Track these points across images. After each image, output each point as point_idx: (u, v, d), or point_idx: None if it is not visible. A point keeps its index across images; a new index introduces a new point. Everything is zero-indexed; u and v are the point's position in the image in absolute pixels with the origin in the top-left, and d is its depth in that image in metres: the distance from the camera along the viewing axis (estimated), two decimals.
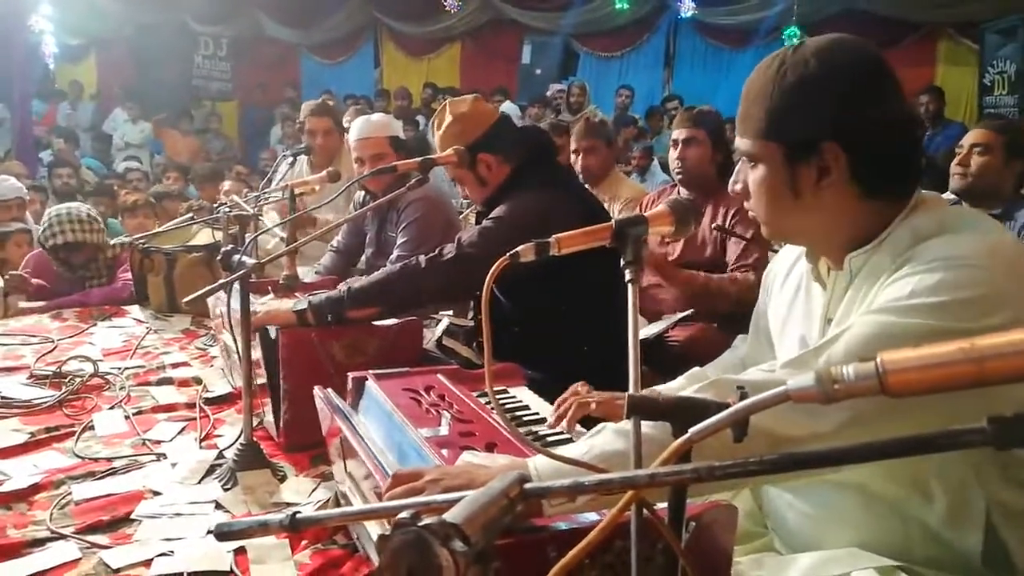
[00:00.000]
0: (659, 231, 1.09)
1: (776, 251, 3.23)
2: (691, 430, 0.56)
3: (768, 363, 1.08)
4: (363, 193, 3.04)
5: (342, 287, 1.89)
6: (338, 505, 1.43)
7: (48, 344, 2.51)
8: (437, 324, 2.30)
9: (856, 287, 1.06)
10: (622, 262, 0.99)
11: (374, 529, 1.07)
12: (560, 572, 0.52)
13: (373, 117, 3.16)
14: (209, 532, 1.40)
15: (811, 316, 1.16)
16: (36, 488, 1.56)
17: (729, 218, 2.76)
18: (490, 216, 1.99)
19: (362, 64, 11.30)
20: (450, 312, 2.48)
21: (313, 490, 1.58)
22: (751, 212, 1.16)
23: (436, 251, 1.95)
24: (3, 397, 2.02)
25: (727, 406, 0.74)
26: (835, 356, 0.93)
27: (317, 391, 1.39)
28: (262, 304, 1.96)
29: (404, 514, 0.45)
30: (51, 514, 1.46)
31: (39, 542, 1.37)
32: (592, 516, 0.93)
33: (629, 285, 0.96)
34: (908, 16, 8.23)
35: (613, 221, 1.04)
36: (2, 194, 4.09)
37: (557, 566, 0.50)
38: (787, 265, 1.27)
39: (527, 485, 0.53)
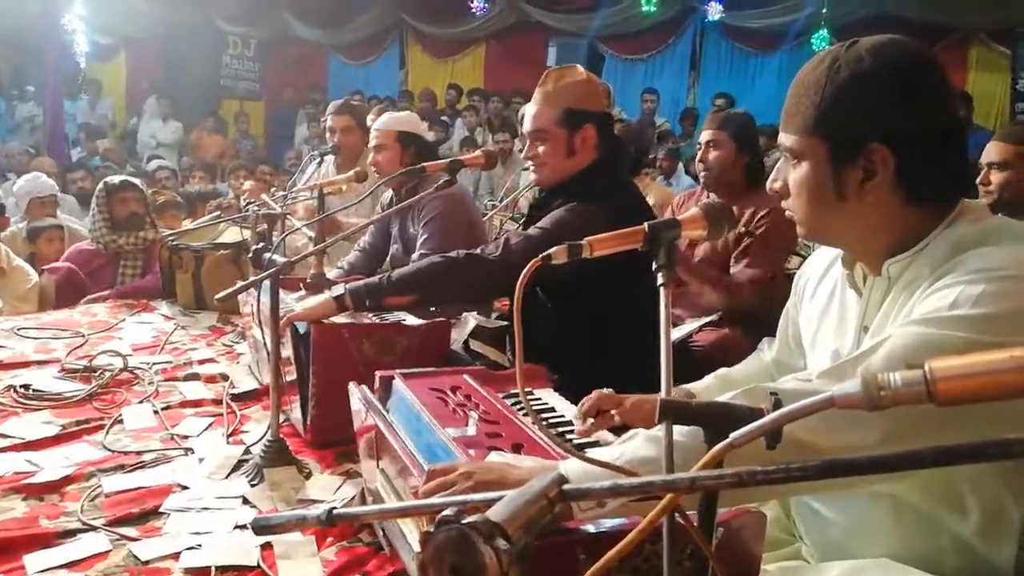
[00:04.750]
0: (692, 235, 1.09)
1: (804, 256, 3.23)
2: (733, 435, 0.55)
3: (803, 372, 1.07)
4: (391, 194, 3.06)
5: (383, 275, 1.90)
6: (364, 502, 1.44)
7: (79, 339, 2.55)
8: (463, 324, 2.30)
9: (894, 296, 1.04)
10: (654, 266, 0.99)
11: (407, 527, 1.07)
12: (597, 573, 0.52)
13: (396, 113, 3.19)
14: (237, 527, 1.42)
15: (845, 323, 1.15)
16: (67, 480, 1.59)
17: (755, 221, 2.75)
18: (539, 224, 1.94)
19: (388, 65, 11.37)
20: (475, 312, 2.49)
21: (339, 487, 1.59)
22: (788, 212, 1.13)
23: (479, 249, 1.93)
24: (35, 390, 2.06)
25: (760, 412, 0.74)
26: (874, 366, 0.91)
27: (352, 387, 1.40)
28: (297, 300, 1.98)
29: (448, 511, 0.45)
30: (82, 506, 1.48)
31: (70, 533, 1.39)
32: (617, 520, 0.93)
33: (661, 289, 0.96)
34: (940, 21, 8.11)
35: (646, 225, 1.04)
36: (38, 190, 4.16)
37: (595, 566, 0.50)
38: (820, 271, 1.26)
39: (565, 487, 0.53)
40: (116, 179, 3.48)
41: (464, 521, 0.44)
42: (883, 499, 1.05)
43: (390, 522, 1.21)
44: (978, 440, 0.41)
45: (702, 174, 2.89)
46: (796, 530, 1.23)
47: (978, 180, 2.83)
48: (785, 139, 1.08)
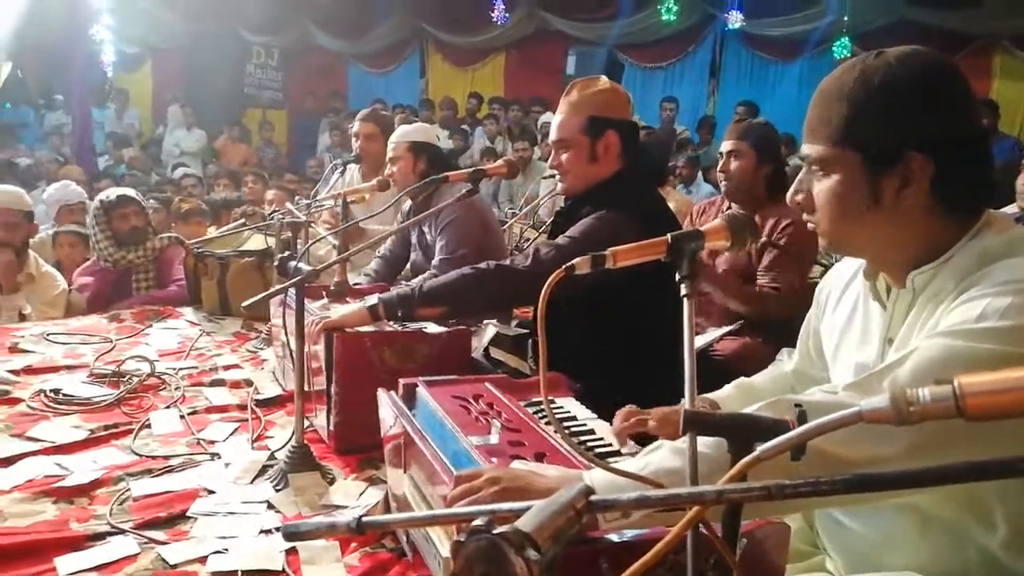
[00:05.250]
0: (715, 246, 1.09)
1: (826, 265, 3.22)
2: (760, 448, 0.56)
3: (828, 385, 1.07)
4: (410, 203, 3.09)
5: (414, 285, 1.92)
6: (388, 508, 1.46)
7: (107, 344, 2.59)
8: (484, 332, 2.32)
9: (919, 307, 1.04)
10: (677, 276, 1.00)
11: (434, 531, 1.08)
12: None
13: (408, 126, 3.23)
14: (262, 531, 1.44)
15: (869, 335, 1.14)
16: (96, 483, 1.62)
17: (777, 232, 2.74)
18: (568, 234, 1.95)
19: (408, 74, 11.46)
20: (495, 320, 2.50)
21: (362, 493, 1.60)
22: (810, 224, 1.13)
23: (508, 260, 1.96)
24: (65, 394, 2.10)
25: (785, 424, 0.74)
26: (901, 379, 0.91)
27: (381, 394, 1.42)
28: (320, 309, 2.00)
29: (479, 521, 0.46)
30: (111, 509, 1.51)
31: (100, 536, 1.42)
32: (641, 530, 0.93)
33: (685, 300, 0.96)
34: (963, 28, 8.03)
35: (669, 236, 1.05)
36: (67, 198, 4.24)
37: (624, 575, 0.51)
38: (842, 283, 1.26)
39: (592, 498, 0.54)
40: (112, 195, 3.37)
41: (495, 531, 0.45)
42: (909, 511, 1.05)
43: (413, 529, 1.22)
44: (1008, 456, 0.42)
45: (723, 184, 2.89)
46: (820, 542, 1.22)
47: (1020, 180, 2.80)
48: (812, 150, 1.07)
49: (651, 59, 10.04)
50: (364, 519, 0.63)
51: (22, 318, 3.05)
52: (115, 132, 9.48)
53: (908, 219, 1.04)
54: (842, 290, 1.25)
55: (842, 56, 8.05)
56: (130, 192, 3.52)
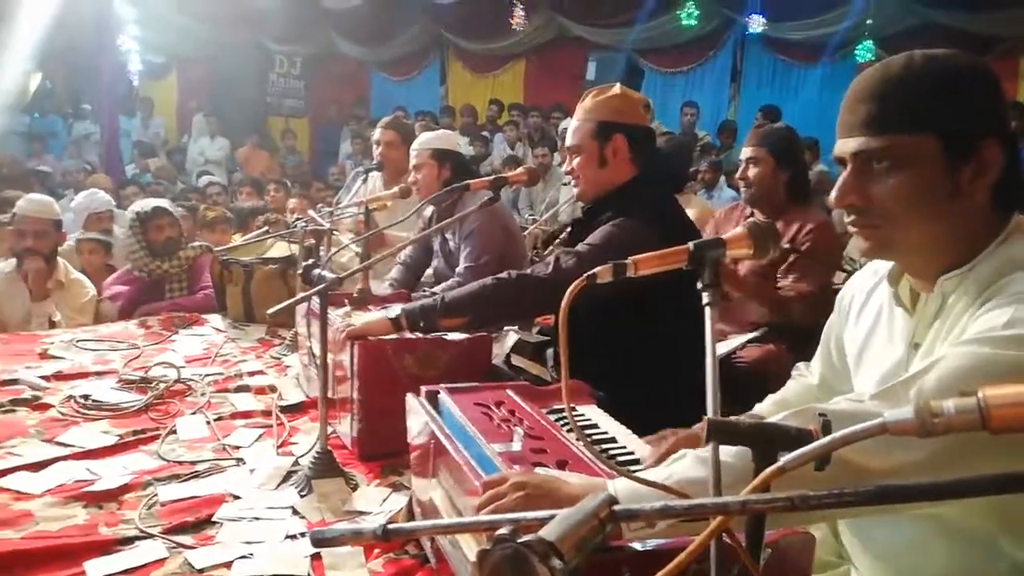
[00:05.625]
0: (737, 254, 1.09)
1: (848, 271, 3.18)
2: (784, 458, 0.56)
3: (854, 394, 1.06)
4: (432, 209, 3.11)
5: (436, 296, 1.94)
6: (411, 514, 1.47)
7: (134, 350, 2.64)
8: (505, 339, 2.32)
9: (946, 313, 1.03)
10: (699, 285, 1.00)
11: (463, 537, 1.09)
12: None
13: (430, 133, 3.25)
14: (287, 536, 1.46)
15: (894, 341, 1.13)
16: (125, 488, 1.65)
17: (800, 236, 2.72)
18: (587, 241, 1.96)
19: (429, 81, 11.52)
20: (516, 327, 2.51)
21: (385, 499, 1.62)
22: (855, 227, 1.07)
23: (530, 269, 1.98)
24: (94, 400, 2.14)
25: (809, 433, 0.74)
26: (927, 388, 0.90)
27: (411, 399, 1.43)
28: (343, 316, 2.02)
29: (503, 530, 0.47)
30: (139, 514, 1.54)
31: (128, 540, 1.45)
32: (663, 539, 0.93)
33: (707, 308, 0.96)
34: (988, 31, 7.92)
35: (691, 244, 1.05)
36: (95, 206, 4.31)
37: None
38: (866, 289, 1.25)
39: (616, 507, 0.54)
40: (148, 207, 3.48)
41: (519, 540, 0.46)
42: (935, 522, 1.04)
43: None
44: None
45: (743, 191, 2.88)
46: (845, 552, 1.22)
47: None
48: (871, 142, 1.00)
49: (671, 64, 10.00)
50: (390, 526, 0.64)
51: (52, 325, 3.11)
52: (141, 141, 9.62)
53: (966, 216, 1.00)
54: (867, 296, 1.24)
55: (865, 60, 7.96)
56: (164, 203, 3.62)
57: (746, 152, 2.85)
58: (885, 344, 1.16)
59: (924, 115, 0.98)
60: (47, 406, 2.11)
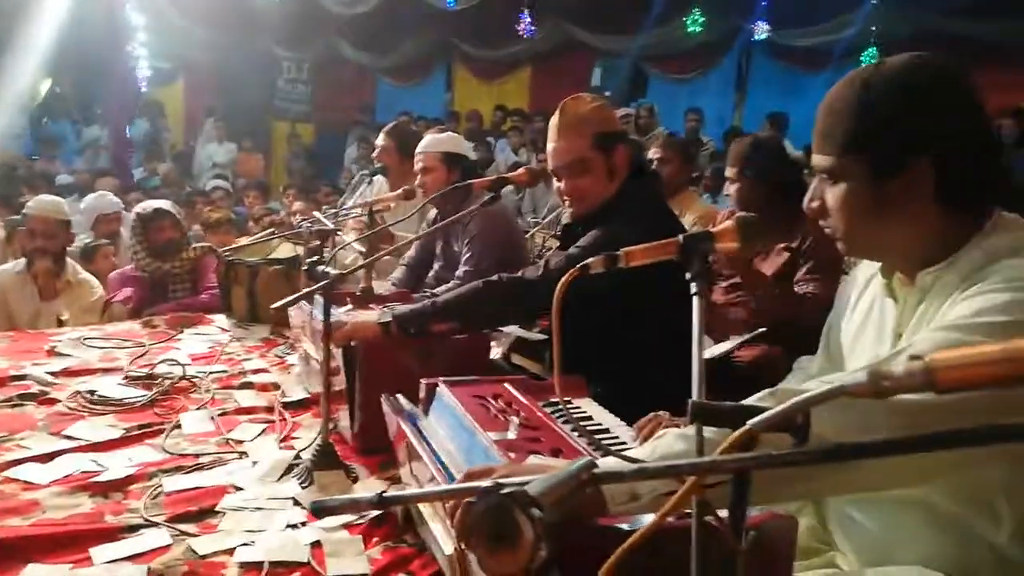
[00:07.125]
0: (725, 247, 1.12)
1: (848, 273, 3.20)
2: (749, 421, 0.59)
3: (828, 376, 1.09)
4: (435, 211, 3.14)
5: (427, 300, 1.96)
6: (407, 508, 1.49)
7: (140, 348, 2.67)
8: (505, 336, 2.35)
9: (927, 303, 1.07)
10: (688, 275, 1.03)
11: (439, 531, 1.12)
12: (618, 559, 0.56)
13: (439, 135, 3.28)
14: (288, 526, 1.49)
15: (883, 331, 1.17)
16: (130, 479, 1.68)
17: (807, 245, 2.75)
18: (578, 244, 1.96)
19: (435, 87, 11.60)
20: (516, 325, 2.54)
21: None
22: (827, 229, 1.16)
23: (521, 272, 1.96)
24: (100, 396, 2.17)
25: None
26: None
27: (384, 397, 1.47)
28: (344, 314, 2.05)
29: (487, 482, 0.50)
30: (144, 503, 1.57)
31: (133, 528, 1.48)
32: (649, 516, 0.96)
33: (695, 298, 0.99)
34: (999, 38, 7.92)
35: (680, 236, 1.08)
36: (104, 208, 4.37)
37: (621, 548, 0.54)
38: (863, 282, 1.28)
39: (596, 470, 0.57)
40: (149, 208, 3.50)
41: (503, 492, 0.49)
42: (915, 506, 1.06)
43: (425, 527, 1.26)
44: (977, 425, 0.45)
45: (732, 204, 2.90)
46: (832, 539, 1.24)
47: None
48: (822, 160, 1.11)
49: (677, 70, 10.05)
50: (385, 495, 0.67)
51: (60, 323, 3.15)
52: (149, 145, 9.71)
53: (917, 221, 1.07)
54: (861, 290, 1.28)
55: None
56: (166, 205, 3.64)
57: (727, 171, 2.86)
58: (875, 334, 1.20)
59: (851, 142, 1.07)
60: (54, 401, 2.15)
